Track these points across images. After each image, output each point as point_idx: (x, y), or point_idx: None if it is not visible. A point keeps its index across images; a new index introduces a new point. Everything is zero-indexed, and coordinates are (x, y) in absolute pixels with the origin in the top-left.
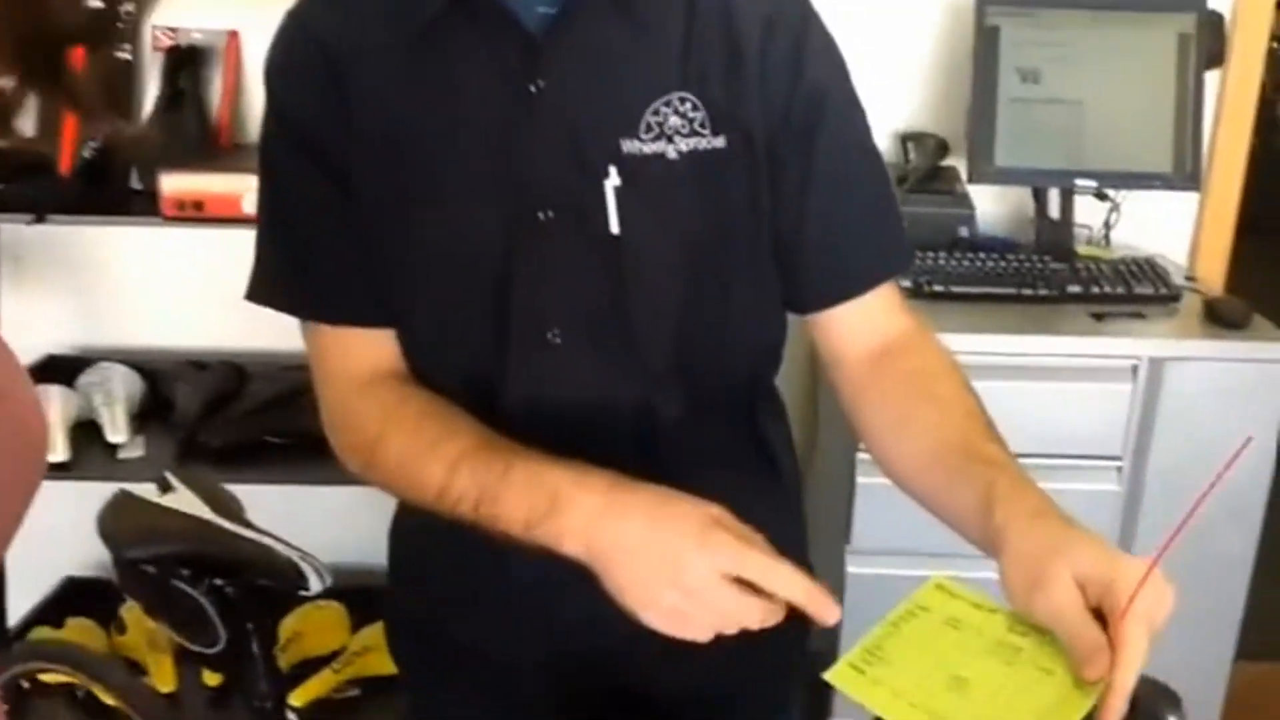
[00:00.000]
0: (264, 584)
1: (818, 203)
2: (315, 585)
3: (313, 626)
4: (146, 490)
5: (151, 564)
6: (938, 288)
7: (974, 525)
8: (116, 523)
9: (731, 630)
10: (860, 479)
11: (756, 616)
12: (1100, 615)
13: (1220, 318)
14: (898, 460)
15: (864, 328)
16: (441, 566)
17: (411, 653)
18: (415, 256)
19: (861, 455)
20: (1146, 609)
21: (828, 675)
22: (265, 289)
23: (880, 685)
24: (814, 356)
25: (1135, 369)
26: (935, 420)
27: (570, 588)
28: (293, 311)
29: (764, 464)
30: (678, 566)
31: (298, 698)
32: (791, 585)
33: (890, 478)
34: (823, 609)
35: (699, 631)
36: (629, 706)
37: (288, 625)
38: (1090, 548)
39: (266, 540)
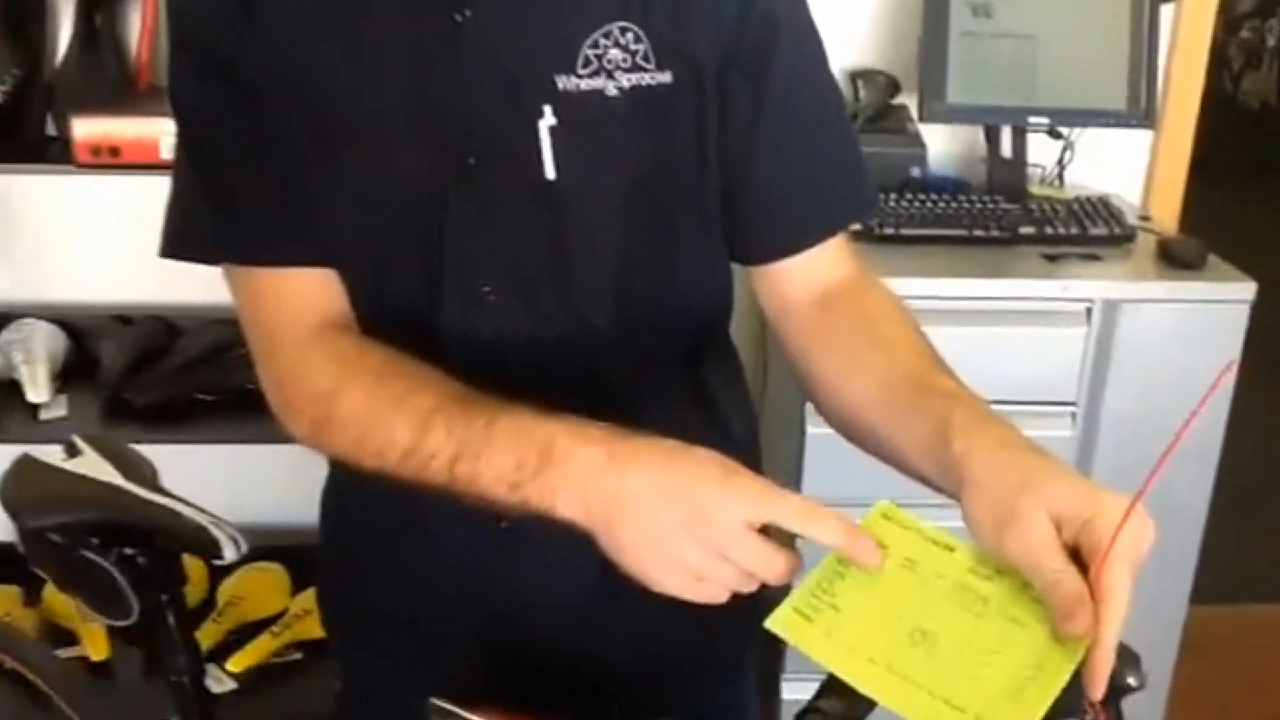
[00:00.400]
0: (177, 552)
1: (770, 141)
2: (230, 553)
3: (252, 589)
4: (54, 454)
5: (58, 533)
6: (887, 230)
7: (930, 461)
8: (19, 490)
9: (750, 588)
10: (810, 429)
11: (782, 569)
12: (1076, 555)
13: (1175, 258)
14: (844, 408)
15: (811, 277)
16: (370, 534)
17: (340, 620)
18: (342, 198)
19: (811, 405)
20: (1129, 548)
21: (770, 623)
22: (183, 241)
23: (832, 637)
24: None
25: (1089, 311)
26: (882, 361)
27: (503, 560)
28: (219, 259)
29: (715, 425)
30: (699, 515)
31: (235, 663)
32: (832, 529)
33: (838, 428)
34: (866, 553)
35: (716, 592)
36: (568, 679)
37: (226, 588)
38: (1065, 481)
39: (179, 506)
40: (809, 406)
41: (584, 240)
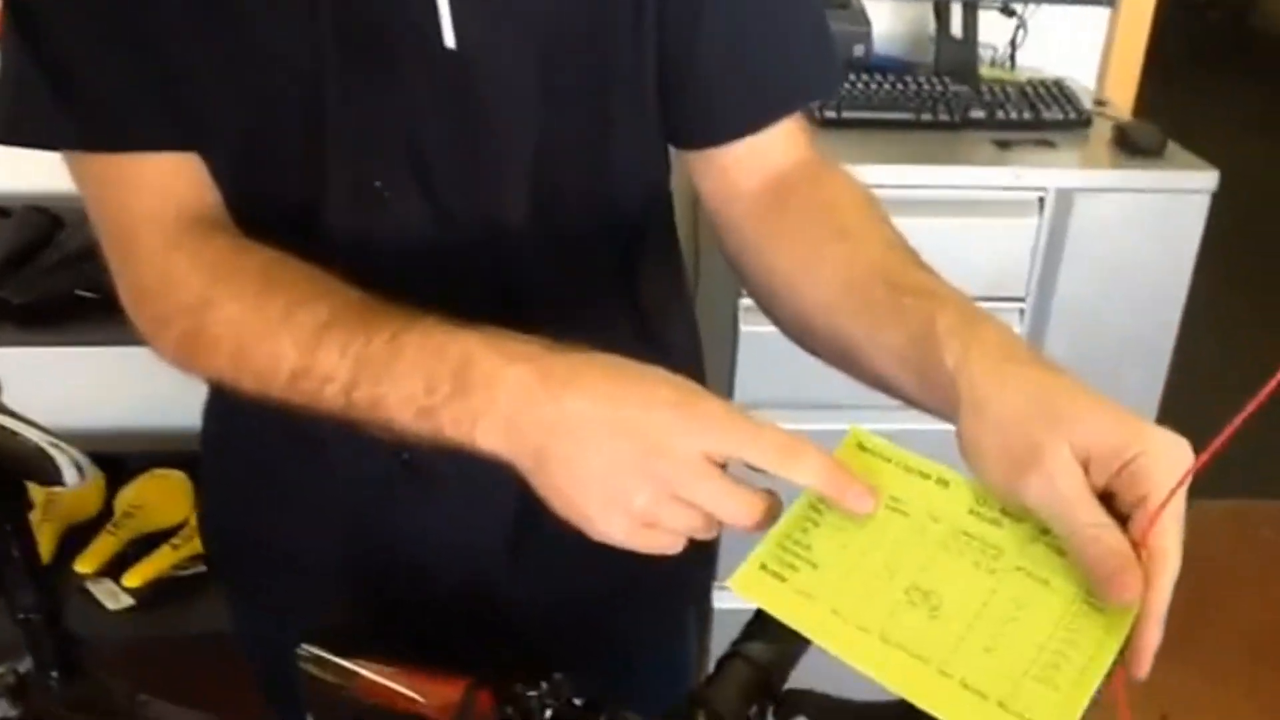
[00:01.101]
0: (16, 478)
1: (720, 2)
2: (71, 478)
3: (151, 498)
4: None
5: None
6: (829, 113)
7: (910, 375)
8: None
9: (710, 535)
10: (744, 327)
11: (755, 512)
12: (1104, 499)
13: (1133, 145)
14: (800, 311)
15: (763, 163)
16: (254, 461)
17: (221, 554)
18: (208, 70)
19: (745, 301)
20: (1177, 504)
21: (733, 584)
22: (17, 123)
23: (811, 600)
24: (692, 191)
25: (1042, 201)
26: (846, 255)
27: (404, 496)
28: (63, 142)
29: (654, 342)
30: (650, 448)
31: (133, 578)
32: (813, 467)
33: (794, 336)
34: (855, 498)
35: (669, 540)
36: (474, 630)
37: (124, 498)
38: (1096, 410)
39: (16, 425)
40: (743, 302)
41: (494, 123)
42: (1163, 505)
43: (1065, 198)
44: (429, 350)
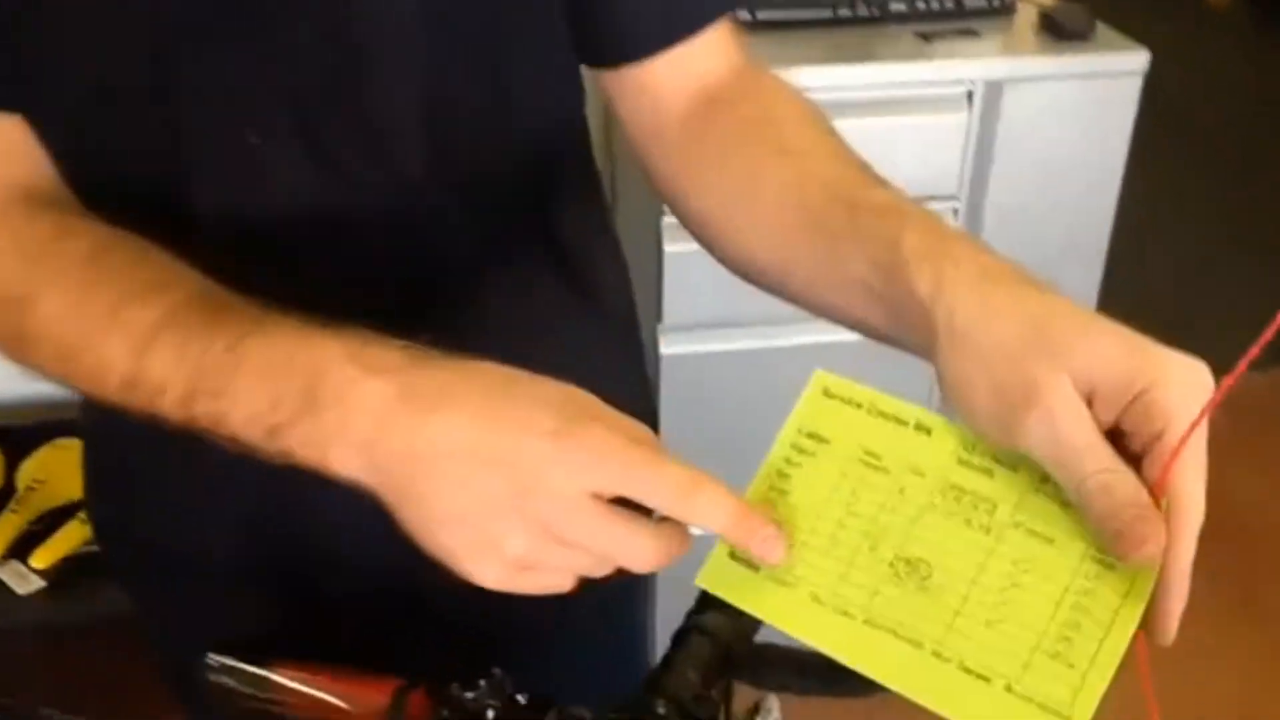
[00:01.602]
0: None
1: None
2: None
3: (54, 471)
4: None
5: None
6: (740, 13)
7: (876, 305)
8: None
9: (603, 573)
10: (668, 246)
11: (649, 554)
12: (1112, 438)
13: (1060, 29)
14: (744, 242)
15: (689, 76)
16: (136, 456)
17: (113, 553)
18: (31, 21)
19: (668, 219)
20: (1198, 441)
21: (701, 580)
22: None
23: (787, 587)
24: (606, 107)
25: (970, 95)
26: (793, 175)
27: (302, 490)
28: None
29: (582, 291)
30: (522, 485)
31: (41, 558)
32: (716, 509)
33: (738, 269)
34: (764, 543)
35: (555, 580)
36: (394, 630)
37: (25, 472)
38: (1097, 334)
39: None
40: (665, 220)
41: (379, 55)
42: (1184, 440)
43: (994, 89)
44: (275, 360)
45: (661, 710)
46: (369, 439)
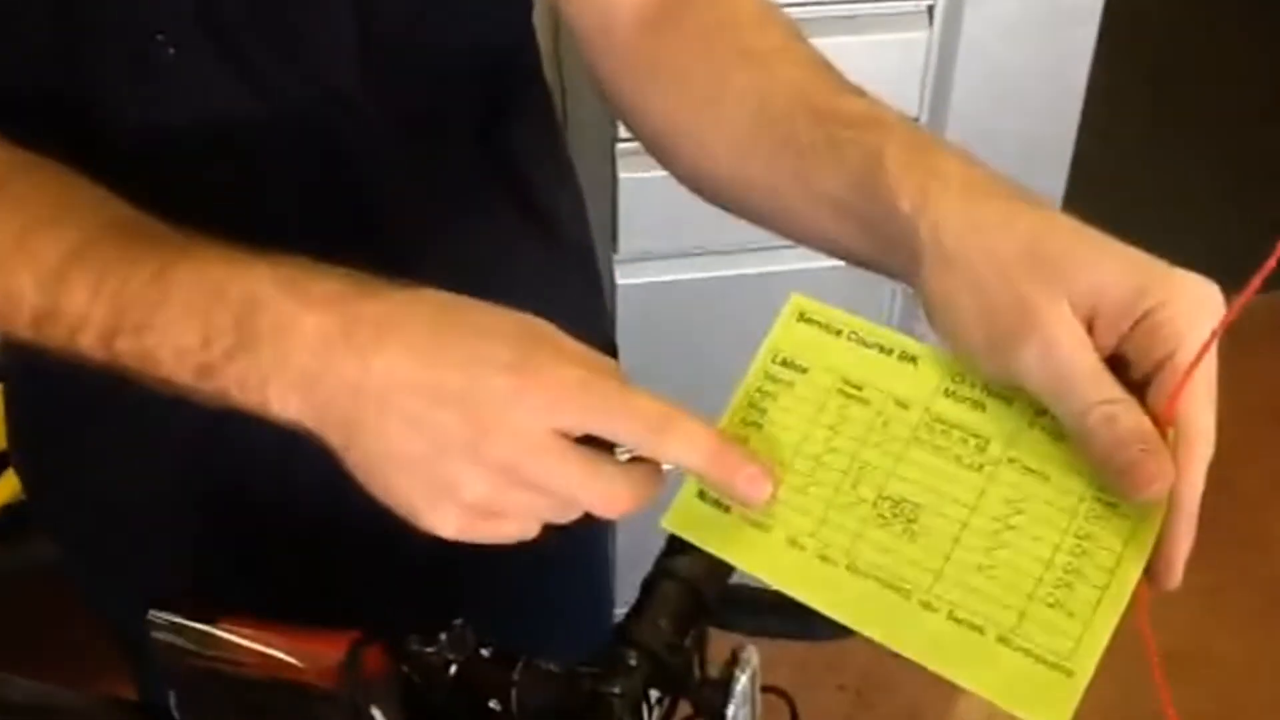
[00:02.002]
0: None
1: None
2: None
3: None
4: None
5: None
6: None
7: (854, 230)
8: None
9: (570, 518)
10: (623, 174)
11: (618, 497)
12: (1115, 365)
13: None
14: (706, 158)
15: None
16: (59, 397)
17: (43, 506)
18: None
19: (623, 144)
20: (1208, 366)
21: (667, 523)
22: None
23: (761, 530)
24: (556, 23)
25: (930, 10)
26: (758, 83)
27: (241, 429)
28: None
29: (533, 216)
30: (483, 426)
31: None
32: (692, 445)
33: (699, 188)
34: (746, 482)
35: (518, 528)
36: (345, 576)
37: None
38: (1099, 252)
39: None
40: (620, 146)
41: None
42: (1194, 364)
43: (954, 5)
44: (204, 290)
45: (633, 662)
46: (310, 374)
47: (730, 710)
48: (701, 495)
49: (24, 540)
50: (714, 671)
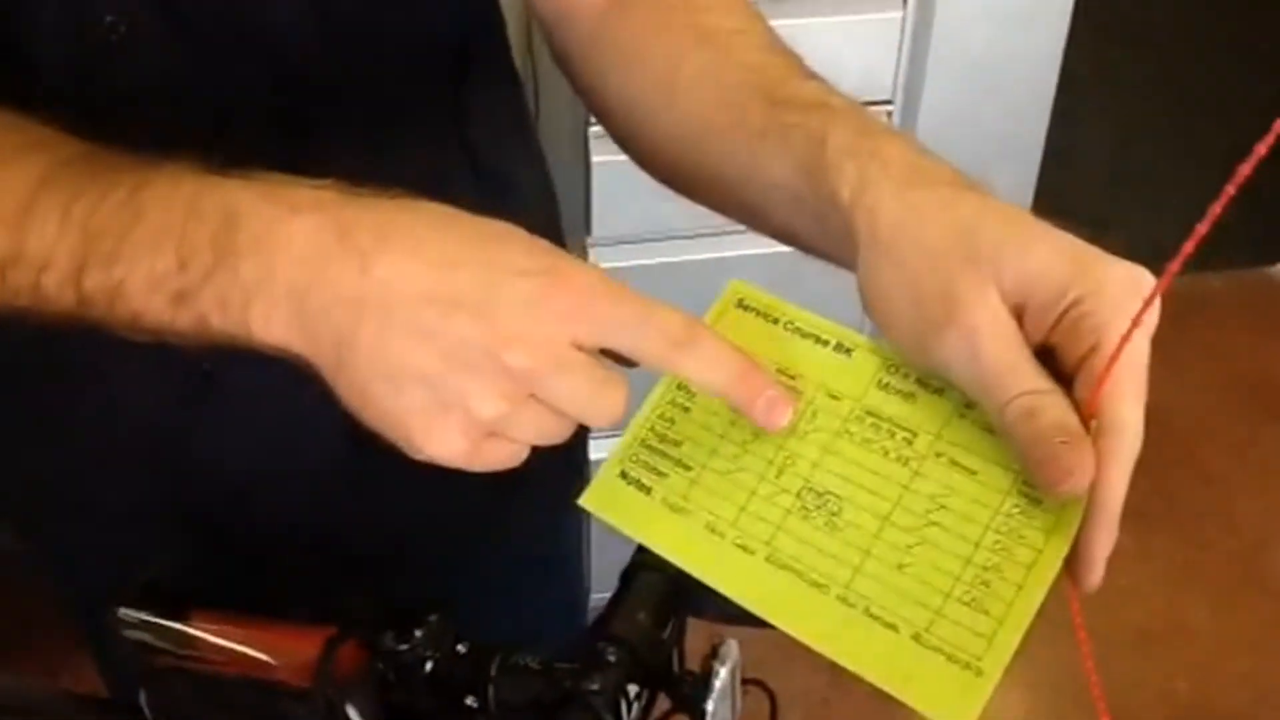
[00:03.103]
0: None
1: None
2: None
3: None
4: None
5: None
6: None
7: (799, 211)
8: None
9: (558, 440)
10: (596, 157)
11: (618, 408)
12: (1045, 356)
13: None
14: (659, 138)
15: None
16: (16, 388)
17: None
18: None
19: (595, 129)
20: (1138, 358)
21: (586, 501)
22: None
23: (681, 515)
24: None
25: None
26: (712, 64)
27: (207, 419)
28: None
29: (498, 191)
30: (505, 336)
31: None
32: (716, 361)
33: (653, 169)
34: (766, 406)
35: (510, 453)
36: (311, 569)
37: None
38: (1032, 240)
39: None
40: (593, 129)
41: None
42: (1115, 354)
43: None
44: (178, 206)
45: (612, 657)
46: (300, 286)
47: (710, 705)
48: (623, 475)
49: None
50: (694, 665)
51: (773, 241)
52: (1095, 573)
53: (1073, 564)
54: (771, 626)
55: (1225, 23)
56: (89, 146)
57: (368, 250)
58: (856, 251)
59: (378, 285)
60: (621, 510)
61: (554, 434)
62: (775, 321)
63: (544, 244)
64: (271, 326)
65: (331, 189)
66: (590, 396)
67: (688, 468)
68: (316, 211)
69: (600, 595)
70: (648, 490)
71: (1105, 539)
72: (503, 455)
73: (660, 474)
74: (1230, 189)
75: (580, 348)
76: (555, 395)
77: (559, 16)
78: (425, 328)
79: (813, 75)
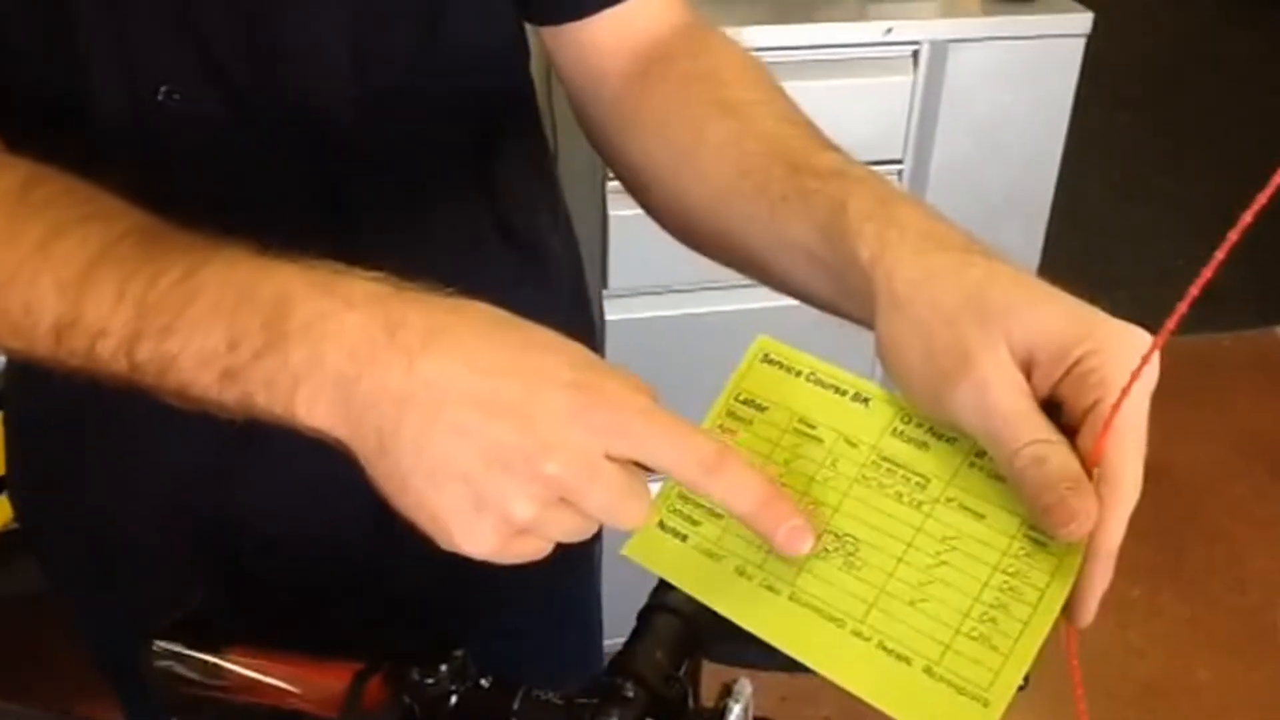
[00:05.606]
0: None
1: None
2: None
3: None
4: None
5: None
6: None
7: (819, 273)
8: None
9: (583, 537)
10: (613, 211)
11: (642, 514)
12: (1050, 410)
13: None
14: (685, 204)
15: (630, 34)
16: (59, 430)
17: (38, 532)
18: None
19: (613, 183)
20: (1138, 412)
21: (628, 551)
22: None
23: (713, 560)
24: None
25: (916, 55)
26: (735, 134)
27: (239, 471)
28: None
29: (527, 255)
30: (543, 443)
31: None
32: (740, 488)
33: (678, 233)
34: (789, 535)
35: (537, 548)
36: (342, 614)
37: None
38: (1037, 299)
39: None
40: (611, 184)
41: None
42: (1115, 408)
43: (939, 50)
44: (233, 290)
45: (630, 693)
46: (346, 377)
47: None
48: (662, 525)
49: (12, 566)
50: (708, 702)
51: (781, 297)
52: (1088, 612)
53: (1069, 602)
54: (776, 670)
55: (1231, 86)
56: (146, 219)
57: (415, 349)
58: (873, 309)
59: (425, 384)
60: (660, 558)
61: (579, 533)
62: (798, 374)
63: (587, 355)
64: (315, 411)
65: (384, 283)
66: (618, 504)
67: (719, 516)
68: (369, 306)
69: (612, 641)
70: (684, 538)
71: (1101, 580)
72: (529, 550)
73: (695, 523)
74: (1220, 254)
75: (613, 459)
76: (586, 502)
77: (585, 82)
78: (467, 428)
79: (830, 144)
